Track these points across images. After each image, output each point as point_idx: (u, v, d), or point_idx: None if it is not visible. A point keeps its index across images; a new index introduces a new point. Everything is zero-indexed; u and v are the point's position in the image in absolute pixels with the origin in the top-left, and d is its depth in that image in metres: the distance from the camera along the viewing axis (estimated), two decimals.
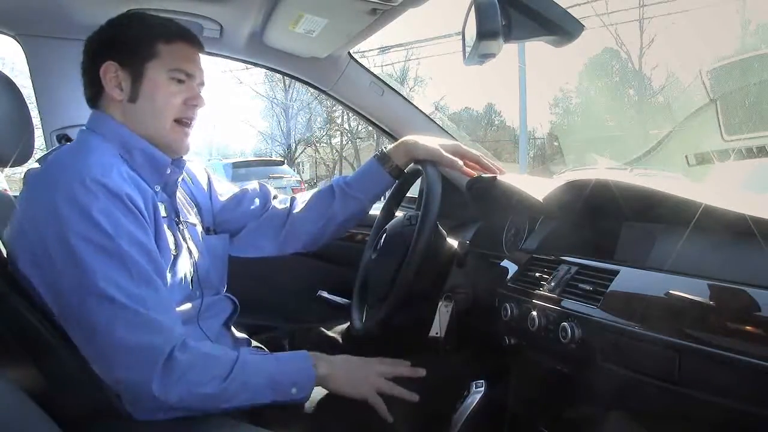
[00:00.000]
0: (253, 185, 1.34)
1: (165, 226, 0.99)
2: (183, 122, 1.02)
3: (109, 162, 0.93)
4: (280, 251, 1.31)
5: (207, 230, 1.19)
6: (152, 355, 0.84)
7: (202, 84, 1.06)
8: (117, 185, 0.89)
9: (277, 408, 1.02)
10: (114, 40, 1.01)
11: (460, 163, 1.26)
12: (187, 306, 1.02)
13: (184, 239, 1.05)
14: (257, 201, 1.31)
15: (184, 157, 1.09)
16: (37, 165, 0.99)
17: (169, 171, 1.03)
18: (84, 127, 1.03)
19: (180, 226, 1.06)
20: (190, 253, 1.06)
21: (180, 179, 1.09)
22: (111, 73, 0.99)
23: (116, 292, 0.84)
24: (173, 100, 1.00)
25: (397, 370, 1.06)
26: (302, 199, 1.33)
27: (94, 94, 1.03)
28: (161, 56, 1.00)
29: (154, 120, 1.00)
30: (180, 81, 1.01)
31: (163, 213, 1.00)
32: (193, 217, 1.14)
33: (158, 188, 1.02)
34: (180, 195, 1.12)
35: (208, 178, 1.27)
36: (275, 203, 1.33)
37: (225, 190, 1.29)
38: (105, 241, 0.85)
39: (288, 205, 1.32)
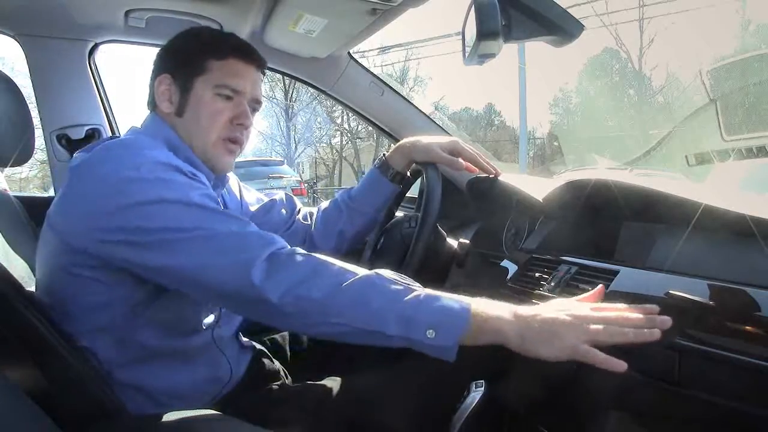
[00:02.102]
0: (280, 195, 1.35)
1: None
2: (228, 139, 1.02)
3: (170, 154, 0.94)
4: None
5: None
6: (252, 250, 0.80)
7: (255, 101, 1.05)
8: (181, 165, 0.90)
9: (278, 407, 1.02)
10: (171, 54, 1.04)
11: (461, 162, 1.26)
12: (208, 316, 1.01)
13: None
14: (284, 211, 1.32)
15: None
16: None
17: (211, 184, 1.02)
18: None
19: None
20: None
21: (220, 195, 1.10)
22: (164, 86, 1.01)
23: (196, 233, 0.82)
24: (218, 117, 1.00)
25: (611, 313, 0.77)
26: (315, 217, 1.34)
27: (151, 104, 1.05)
28: (210, 72, 1.00)
29: (198, 135, 1.00)
30: (227, 97, 1.00)
31: None
32: None
33: None
34: None
35: (240, 189, 1.28)
36: (299, 217, 1.34)
37: (254, 199, 1.30)
38: (179, 197, 0.84)
39: (309, 221, 1.33)
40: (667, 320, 0.75)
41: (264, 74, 1.08)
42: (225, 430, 0.90)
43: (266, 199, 1.32)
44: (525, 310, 0.78)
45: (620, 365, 0.72)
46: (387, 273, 0.82)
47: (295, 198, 1.38)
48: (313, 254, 0.83)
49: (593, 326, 0.75)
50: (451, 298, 0.79)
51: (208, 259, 0.82)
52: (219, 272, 0.81)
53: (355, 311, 0.78)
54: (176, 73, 1.01)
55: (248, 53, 1.04)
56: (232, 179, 1.26)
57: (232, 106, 1.01)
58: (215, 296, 0.85)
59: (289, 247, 0.84)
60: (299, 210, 1.36)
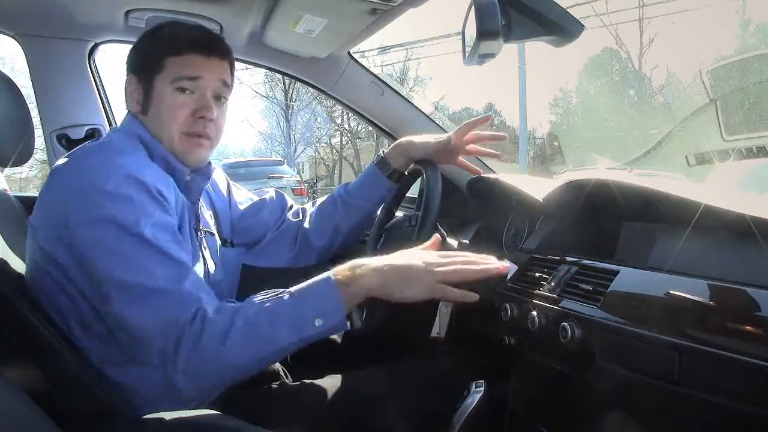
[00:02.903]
0: (270, 194, 1.35)
1: (188, 230, 0.99)
2: (192, 134, 1.01)
3: (144, 160, 0.96)
4: (293, 264, 1.31)
5: (224, 242, 1.19)
6: (181, 309, 0.83)
7: (224, 85, 1.03)
8: (149, 179, 0.90)
9: (277, 406, 1.02)
10: (134, 55, 1.05)
11: (459, 160, 1.27)
12: None
13: (202, 248, 1.06)
14: (275, 210, 1.32)
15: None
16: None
17: (189, 178, 1.03)
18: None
19: (199, 234, 1.06)
20: (205, 262, 1.06)
21: (204, 188, 1.09)
22: (132, 87, 1.03)
23: (136, 276, 0.84)
24: (179, 112, 1.00)
25: (457, 258, 0.91)
26: (310, 211, 1.34)
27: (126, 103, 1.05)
28: (167, 69, 1.00)
29: (162, 131, 1.00)
30: (184, 90, 0.99)
31: (186, 217, 1.00)
32: (212, 227, 1.15)
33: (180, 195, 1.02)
34: (203, 204, 1.12)
35: (228, 185, 1.27)
36: (289, 215, 1.34)
37: (244, 198, 1.30)
38: (130, 224, 0.85)
39: (300, 217, 1.33)
40: (504, 268, 0.93)
41: (233, 62, 1.07)
42: (224, 429, 0.90)
43: (256, 198, 1.31)
44: (381, 261, 0.88)
45: (472, 296, 0.88)
46: (257, 298, 0.87)
47: (285, 195, 1.37)
48: (212, 318, 0.84)
49: (443, 268, 0.87)
50: (313, 282, 0.87)
51: (135, 307, 0.83)
52: (143, 320, 0.83)
53: (253, 350, 0.84)
54: (140, 73, 1.02)
55: (205, 46, 1.02)
56: (221, 177, 1.25)
57: (193, 100, 1.00)
58: (127, 335, 0.85)
59: (205, 307, 0.85)
60: (290, 207, 1.35)
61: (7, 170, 1.10)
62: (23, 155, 1.06)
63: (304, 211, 1.35)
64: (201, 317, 0.83)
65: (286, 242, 1.31)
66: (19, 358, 0.85)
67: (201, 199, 1.12)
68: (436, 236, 0.97)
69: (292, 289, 0.87)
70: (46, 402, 0.78)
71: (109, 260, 0.84)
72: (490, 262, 0.91)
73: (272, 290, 0.88)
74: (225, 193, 1.26)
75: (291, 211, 1.35)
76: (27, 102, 1.10)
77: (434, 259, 0.89)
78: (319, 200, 1.36)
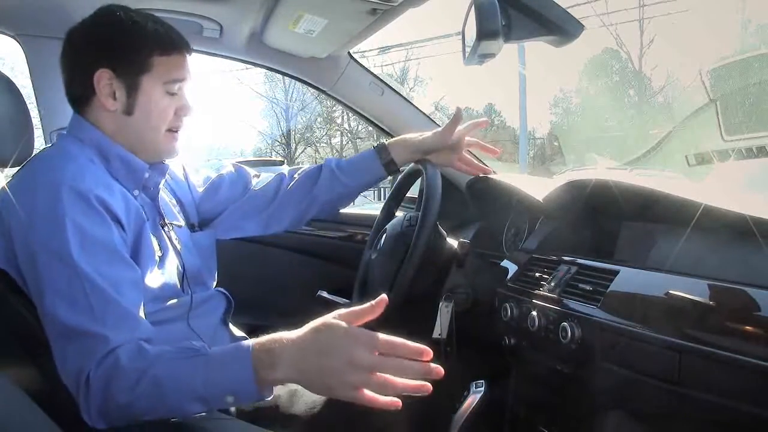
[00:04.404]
0: (228, 168, 1.31)
1: (149, 230, 0.97)
2: (173, 130, 1.01)
3: (86, 166, 0.92)
4: (264, 231, 1.30)
5: (192, 227, 1.18)
6: (80, 372, 0.81)
7: (190, 84, 1.03)
8: (87, 188, 0.87)
9: (276, 405, 1.03)
10: (108, 46, 0.97)
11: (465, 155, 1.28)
12: (175, 306, 1.00)
13: (170, 240, 1.04)
14: (235, 186, 1.29)
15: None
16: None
17: (147, 175, 1.00)
18: (63, 132, 1.02)
19: (165, 228, 1.04)
20: (177, 253, 1.04)
21: (162, 182, 1.07)
22: (105, 81, 0.95)
23: (63, 311, 0.82)
24: (167, 112, 0.99)
25: (388, 363, 0.77)
26: (294, 175, 1.32)
27: (83, 97, 0.99)
28: (156, 69, 0.97)
29: (148, 133, 0.98)
30: (173, 94, 0.99)
31: (144, 217, 0.98)
32: (178, 217, 1.13)
33: (137, 192, 1.00)
34: (165, 196, 1.10)
35: (184, 171, 1.24)
36: (256, 183, 1.31)
37: (202, 179, 1.27)
38: (61, 250, 0.83)
39: (274, 183, 1.30)
40: (439, 370, 0.76)
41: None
42: (222, 428, 0.90)
43: (214, 176, 1.28)
44: (301, 352, 0.77)
45: (395, 405, 0.76)
46: (174, 353, 0.81)
47: (246, 168, 1.34)
48: (122, 356, 0.81)
49: (364, 378, 0.75)
50: (229, 355, 0.80)
51: (57, 340, 0.82)
52: (62, 354, 0.82)
53: (157, 409, 0.79)
54: (119, 68, 0.95)
55: (187, 44, 1.01)
56: (176, 165, 1.22)
57: (176, 99, 1.00)
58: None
59: (119, 353, 0.81)
60: (256, 175, 1.32)
61: (7, 170, 1.10)
62: (23, 155, 1.06)
63: (282, 177, 1.32)
64: (113, 363, 0.80)
65: (253, 211, 1.28)
66: (19, 359, 0.85)
67: (163, 193, 1.10)
68: (382, 298, 0.80)
69: (211, 351, 0.81)
70: (46, 402, 0.78)
71: (41, 289, 0.83)
72: (426, 368, 0.77)
73: (191, 343, 0.83)
74: (183, 179, 1.23)
75: (259, 179, 1.32)
76: (27, 102, 1.10)
77: (362, 360, 0.75)
78: (304, 166, 1.35)
